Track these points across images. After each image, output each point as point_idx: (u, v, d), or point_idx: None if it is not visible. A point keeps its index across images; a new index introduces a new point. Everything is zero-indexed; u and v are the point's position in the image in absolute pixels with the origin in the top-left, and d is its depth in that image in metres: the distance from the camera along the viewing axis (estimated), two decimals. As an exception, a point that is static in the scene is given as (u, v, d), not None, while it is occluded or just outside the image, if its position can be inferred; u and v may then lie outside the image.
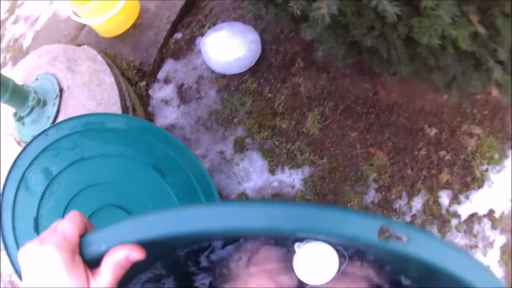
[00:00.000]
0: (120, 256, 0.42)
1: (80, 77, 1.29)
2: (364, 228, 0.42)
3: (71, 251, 0.41)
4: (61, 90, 1.24)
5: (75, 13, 1.36)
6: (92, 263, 0.42)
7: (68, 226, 0.42)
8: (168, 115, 1.60)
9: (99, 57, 1.32)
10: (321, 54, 1.08)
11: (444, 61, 0.82)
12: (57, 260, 0.39)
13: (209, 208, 0.45)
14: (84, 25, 1.57)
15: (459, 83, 0.89)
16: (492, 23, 0.66)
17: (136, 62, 1.52)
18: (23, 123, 1.15)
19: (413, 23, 0.79)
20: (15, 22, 2.01)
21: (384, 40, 0.97)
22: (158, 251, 0.52)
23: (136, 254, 0.42)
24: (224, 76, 1.64)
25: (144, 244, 0.44)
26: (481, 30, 0.65)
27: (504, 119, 1.47)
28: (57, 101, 1.22)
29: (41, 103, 1.17)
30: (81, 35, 1.57)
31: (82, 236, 0.43)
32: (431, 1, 0.67)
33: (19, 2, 2.07)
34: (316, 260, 0.51)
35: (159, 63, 1.60)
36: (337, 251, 0.54)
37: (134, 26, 1.51)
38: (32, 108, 1.15)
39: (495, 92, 1.47)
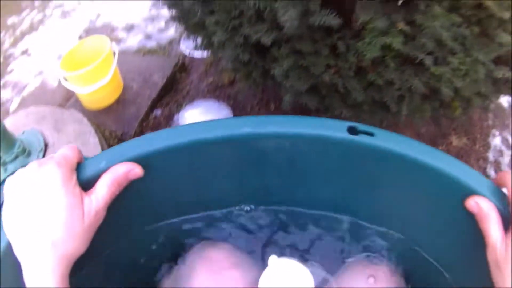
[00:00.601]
0: (119, 171, 0.44)
1: (66, 136, 1.37)
2: (337, 128, 0.50)
3: (69, 170, 0.42)
4: (46, 145, 1.30)
5: (65, 79, 1.50)
6: (86, 188, 0.43)
7: (67, 150, 0.44)
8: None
9: (85, 120, 1.42)
10: (288, 98, 1.24)
11: (389, 75, 0.98)
12: (56, 176, 0.40)
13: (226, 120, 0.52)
14: (71, 96, 1.71)
15: (408, 101, 1.05)
16: (415, 25, 0.85)
17: (118, 132, 1.62)
18: (6, 169, 1.19)
19: (358, 47, 0.97)
20: (3, 87, 2.15)
21: (339, 76, 1.14)
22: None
23: (137, 170, 0.45)
24: (200, 147, 1.75)
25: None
26: (406, 28, 0.83)
27: (469, 163, 1.61)
28: (41, 154, 1.27)
29: (26, 152, 1.22)
30: (67, 105, 1.69)
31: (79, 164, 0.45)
32: (365, 17, 0.86)
33: (8, 69, 2.25)
34: (287, 280, 0.50)
35: (139, 135, 1.71)
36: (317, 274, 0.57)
37: (117, 101, 1.66)
38: (17, 156, 1.20)
39: (455, 141, 1.64)
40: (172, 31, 2.31)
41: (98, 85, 1.49)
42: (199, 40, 1.46)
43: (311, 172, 0.56)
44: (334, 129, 0.50)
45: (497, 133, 1.85)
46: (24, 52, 2.39)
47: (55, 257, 0.39)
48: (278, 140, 0.52)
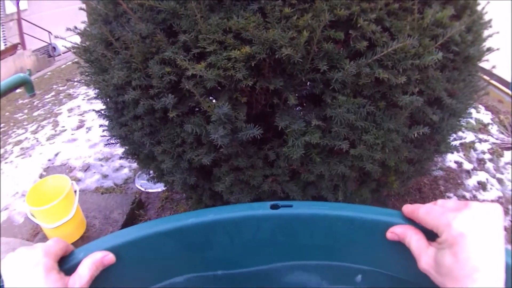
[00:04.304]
0: (97, 257, 0.52)
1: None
2: (262, 207, 0.63)
3: (52, 259, 0.49)
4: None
5: (32, 214, 1.57)
6: (69, 273, 0.50)
7: (54, 242, 0.52)
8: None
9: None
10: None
11: (318, 170, 1.12)
12: (40, 262, 0.46)
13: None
14: (37, 233, 1.77)
15: (344, 188, 1.18)
16: (327, 118, 1.00)
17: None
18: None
19: (284, 151, 1.11)
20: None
21: (278, 183, 1.27)
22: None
23: (110, 256, 0.53)
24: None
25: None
26: (319, 122, 0.97)
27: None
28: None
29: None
30: (34, 240, 1.74)
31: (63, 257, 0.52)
32: (284, 122, 1.02)
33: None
34: None
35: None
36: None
37: (82, 238, 1.72)
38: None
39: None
40: (126, 170, 2.47)
41: (62, 221, 1.57)
42: (151, 172, 1.59)
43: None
44: (261, 208, 0.63)
45: (451, 195, 1.96)
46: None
47: None
48: (218, 224, 0.63)
